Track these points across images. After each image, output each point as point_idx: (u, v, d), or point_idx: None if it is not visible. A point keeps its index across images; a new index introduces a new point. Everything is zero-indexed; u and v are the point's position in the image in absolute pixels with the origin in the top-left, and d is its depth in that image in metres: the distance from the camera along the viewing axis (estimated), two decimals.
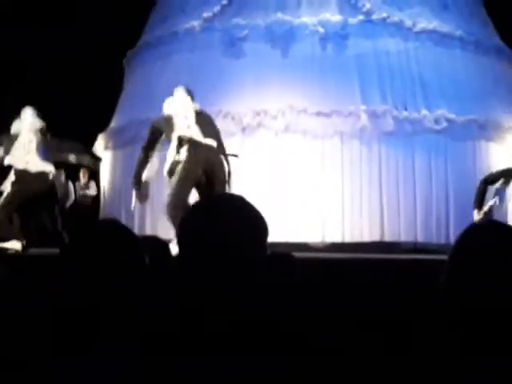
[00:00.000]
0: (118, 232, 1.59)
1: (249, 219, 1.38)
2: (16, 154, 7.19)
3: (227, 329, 1.24)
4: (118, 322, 1.38)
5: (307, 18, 10.03)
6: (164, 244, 2.87)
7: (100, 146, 10.96)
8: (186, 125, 6.22)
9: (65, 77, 11.81)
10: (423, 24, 10.25)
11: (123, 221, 9.52)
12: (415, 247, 9.67)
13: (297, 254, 6.06)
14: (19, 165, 7.17)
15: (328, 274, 4.73)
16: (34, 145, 7.31)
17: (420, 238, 9.48)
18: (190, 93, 6.88)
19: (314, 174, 9.40)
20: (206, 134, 6.22)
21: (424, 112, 9.70)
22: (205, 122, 6.57)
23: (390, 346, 1.38)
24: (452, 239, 9.37)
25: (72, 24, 12.04)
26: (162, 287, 2.07)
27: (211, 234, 1.33)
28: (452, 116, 9.76)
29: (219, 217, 1.36)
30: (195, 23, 10.43)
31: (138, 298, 1.50)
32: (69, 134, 10.32)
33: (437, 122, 9.71)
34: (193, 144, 6.27)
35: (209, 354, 1.21)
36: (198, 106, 6.79)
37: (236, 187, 9.15)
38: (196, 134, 6.25)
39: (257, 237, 1.38)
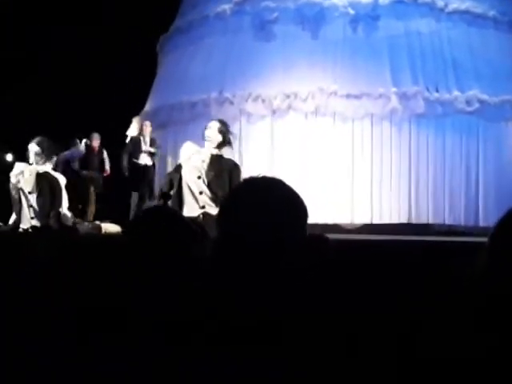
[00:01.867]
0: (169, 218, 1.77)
1: (289, 201, 1.39)
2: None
3: (259, 316, 1.23)
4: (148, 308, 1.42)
5: (337, 0, 10.00)
6: (202, 228, 2.94)
7: (134, 129, 11.17)
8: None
9: (102, 62, 12.01)
10: (455, 4, 10.09)
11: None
12: (442, 230, 9.60)
13: (330, 236, 6.15)
14: None
15: (361, 256, 4.75)
16: None
17: (448, 221, 9.41)
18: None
19: (344, 156, 9.43)
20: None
21: (456, 93, 9.59)
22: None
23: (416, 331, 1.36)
24: (481, 222, 9.32)
25: (107, 10, 12.21)
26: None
27: (251, 216, 1.34)
28: (484, 97, 9.62)
29: (259, 198, 1.36)
30: (226, 7, 10.49)
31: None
32: (106, 118, 10.61)
33: (468, 103, 9.59)
34: None
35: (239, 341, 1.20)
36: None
37: (266, 169, 9.31)
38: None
39: (297, 219, 1.39)
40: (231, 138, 6.00)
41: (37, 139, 6.61)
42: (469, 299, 1.42)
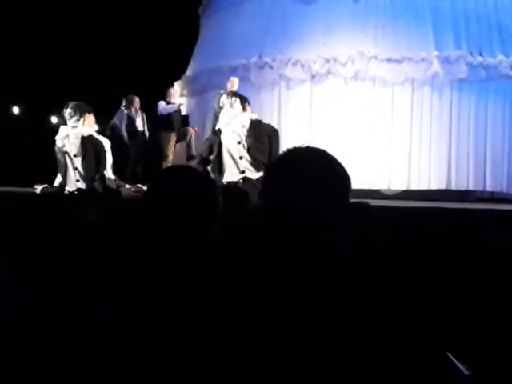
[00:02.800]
0: (193, 177, 1.74)
1: (332, 171, 1.41)
2: None
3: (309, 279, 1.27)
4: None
5: None
6: (245, 192, 2.99)
7: (176, 93, 11.26)
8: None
9: (145, 26, 12.04)
10: None
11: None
12: (485, 196, 9.51)
13: (371, 201, 6.16)
14: None
15: (402, 222, 4.73)
16: None
17: (490, 188, 9.29)
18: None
19: (384, 121, 9.36)
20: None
21: (500, 57, 9.39)
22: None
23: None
24: None
25: None
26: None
27: (295, 184, 1.36)
28: None
29: (302, 168, 1.39)
30: None
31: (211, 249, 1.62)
32: (149, 82, 10.69)
33: None
34: None
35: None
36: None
37: (305, 134, 9.32)
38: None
39: (340, 188, 1.41)
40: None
41: (72, 103, 6.77)
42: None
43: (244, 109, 6.13)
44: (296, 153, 1.46)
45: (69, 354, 1.30)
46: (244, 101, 6.14)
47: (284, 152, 1.47)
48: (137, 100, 9.71)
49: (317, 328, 1.21)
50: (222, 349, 1.23)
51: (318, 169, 1.39)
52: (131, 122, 9.51)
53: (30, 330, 1.36)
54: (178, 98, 9.94)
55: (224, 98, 6.33)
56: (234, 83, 9.03)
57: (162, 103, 9.66)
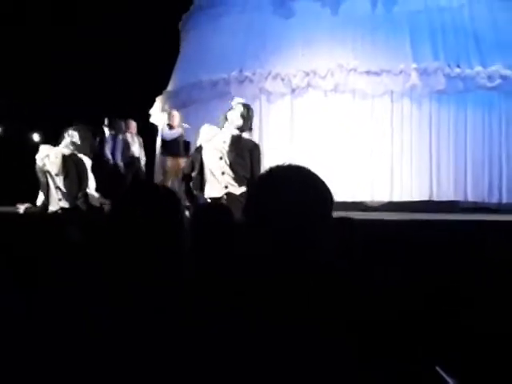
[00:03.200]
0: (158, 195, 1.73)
1: (316, 189, 1.41)
2: None
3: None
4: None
5: None
6: (227, 208, 2.98)
7: (157, 109, 11.29)
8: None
9: (125, 43, 12.04)
10: None
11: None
12: (468, 206, 9.56)
13: (353, 214, 6.15)
14: None
15: (388, 235, 4.73)
16: None
17: (471, 198, 9.34)
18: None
19: (364, 133, 9.44)
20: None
21: (477, 68, 9.48)
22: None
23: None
24: (505, 199, 9.29)
25: None
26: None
27: (276, 204, 1.36)
28: (507, 72, 9.48)
29: (285, 186, 1.39)
30: None
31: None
32: (130, 98, 10.67)
33: (490, 78, 9.48)
34: None
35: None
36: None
37: (287, 147, 9.37)
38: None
39: (324, 206, 1.40)
40: (252, 124, 6.05)
41: (78, 127, 6.72)
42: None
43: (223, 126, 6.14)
44: (278, 172, 1.46)
45: (65, 356, 1.31)
46: (225, 118, 6.15)
47: (266, 171, 1.47)
48: (134, 124, 9.54)
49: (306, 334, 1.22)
50: (216, 350, 1.24)
51: (299, 188, 1.39)
52: (127, 148, 9.26)
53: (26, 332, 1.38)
54: (179, 121, 9.55)
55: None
56: (175, 117, 9.17)
57: (165, 128, 9.30)
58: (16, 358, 1.34)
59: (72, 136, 6.61)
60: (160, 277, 1.51)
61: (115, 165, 9.07)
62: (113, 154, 9.24)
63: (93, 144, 7.29)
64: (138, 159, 9.33)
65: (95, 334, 1.34)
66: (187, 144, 9.35)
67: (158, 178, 9.42)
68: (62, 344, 1.34)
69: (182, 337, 1.29)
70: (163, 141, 9.19)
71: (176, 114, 9.34)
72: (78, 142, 6.59)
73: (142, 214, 1.64)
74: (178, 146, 9.13)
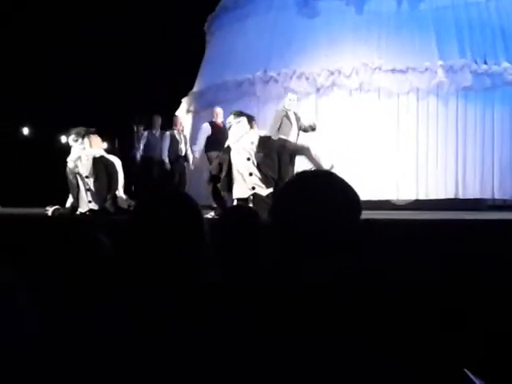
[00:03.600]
0: (180, 203, 1.81)
1: (342, 194, 1.41)
2: None
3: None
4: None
5: None
6: (255, 212, 3.00)
7: (183, 110, 11.38)
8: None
9: (154, 44, 12.12)
10: None
11: (204, 178, 9.87)
12: (496, 204, 9.45)
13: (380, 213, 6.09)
14: None
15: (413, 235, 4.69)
16: None
17: (498, 195, 9.20)
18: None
19: (390, 131, 9.39)
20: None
21: (505, 64, 9.38)
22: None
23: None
24: None
25: None
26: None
27: (301, 210, 1.37)
28: None
29: (312, 192, 1.40)
30: None
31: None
32: (156, 100, 10.75)
33: None
34: None
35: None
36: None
37: (312, 147, 9.35)
38: None
39: (350, 211, 1.41)
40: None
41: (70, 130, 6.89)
42: None
43: (251, 127, 6.18)
44: (305, 177, 1.47)
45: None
46: (251, 119, 6.19)
47: (293, 176, 1.49)
48: (180, 121, 9.37)
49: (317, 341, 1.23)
50: (218, 352, 1.25)
51: (326, 194, 1.39)
52: (176, 144, 8.95)
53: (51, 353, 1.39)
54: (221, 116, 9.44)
55: (231, 118, 6.38)
56: (218, 114, 8.87)
57: (206, 125, 8.98)
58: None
59: (73, 139, 6.75)
60: (180, 280, 1.52)
61: (162, 162, 8.81)
62: (155, 150, 8.95)
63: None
64: (184, 157, 9.05)
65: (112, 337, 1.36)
66: None
67: (195, 175, 9.37)
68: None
69: (199, 340, 1.30)
70: (208, 138, 8.80)
71: (219, 112, 9.06)
72: (76, 139, 6.71)
73: (162, 221, 1.63)
74: (219, 142, 8.93)
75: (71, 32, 12.07)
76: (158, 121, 9.33)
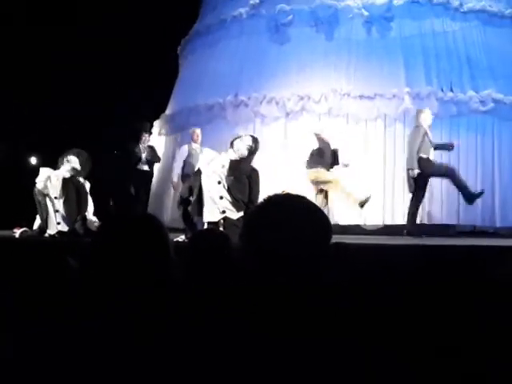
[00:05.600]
0: (146, 226, 1.79)
1: (313, 217, 1.44)
2: None
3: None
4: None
5: (351, 1, 10.07)
6: (225, 236, 3.02)
7: (155, 133, 11.38)
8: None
9: (125, 67, 12.12)
10: (471, 4, 10.09)
11: (171, 201, 9.85)
12: (465, 230, 9.51)
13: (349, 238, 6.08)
14: None
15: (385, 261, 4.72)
16: None
17: (463, 222, 9.29)
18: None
19: (357, 156, 9.48)
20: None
21: (470, 93, 9.58)
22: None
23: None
24: (498, 223, 9.31)
25: (131, 16, 12.24)
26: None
27: (275, 233, 1.39)
28: (500, 96, 9.57)
29: (283, 216, 1.41)
30: (242, 10, 10.65)
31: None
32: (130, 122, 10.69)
33: (483, 102, 9.57)
34: None
35: None
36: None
37: (280, 170, 9.41)
38: None
39: (321, 234, 1.44)
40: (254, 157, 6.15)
41: (78, 152, 6.78)
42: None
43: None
44: (275, 201, 1.49)
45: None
46: (231, 144, 6.24)
47: (263, 200, 1.51)
48: (198, 132, 9.05)
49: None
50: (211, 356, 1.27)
51: (296, 219, 1.42)
52: (194, 159, 8.49)
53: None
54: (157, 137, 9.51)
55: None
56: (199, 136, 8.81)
57: (185, 147, 8.94)
58: None
59: (71, 161, 6.66)
60: (146, 300, 1.55)
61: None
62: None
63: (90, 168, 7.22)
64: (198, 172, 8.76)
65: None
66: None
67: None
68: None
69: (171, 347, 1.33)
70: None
71: (199, 133, 8.94)
72: (79, 168, 6.64)
73: (124, 243, 1.69)
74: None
75: (43, 51, 12.02)
76: (196, 133, 9.06)
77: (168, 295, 1.62)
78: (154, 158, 9.31)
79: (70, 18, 12.18)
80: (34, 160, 11.92)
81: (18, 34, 11.82)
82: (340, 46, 9.95)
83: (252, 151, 6.00)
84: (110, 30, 11.92)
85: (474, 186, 9.42)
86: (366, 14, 9.99)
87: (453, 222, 9.35)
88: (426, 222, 9.26)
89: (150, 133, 9.15)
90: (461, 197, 9.24)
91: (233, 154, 5.94)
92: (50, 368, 1.38)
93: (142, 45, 11.91)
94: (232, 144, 6.06)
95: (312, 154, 7.88)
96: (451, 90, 9.68)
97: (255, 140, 6.20)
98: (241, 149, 5.94)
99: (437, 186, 9.39)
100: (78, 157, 6.71)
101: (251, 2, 10.64)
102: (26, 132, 11.14)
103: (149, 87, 11.59)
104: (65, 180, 6.59)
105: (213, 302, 1.40)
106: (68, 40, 12.04)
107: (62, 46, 12.08)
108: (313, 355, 1.25)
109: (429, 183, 9.08)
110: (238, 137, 6.17)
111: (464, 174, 9.41)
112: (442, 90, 9.65)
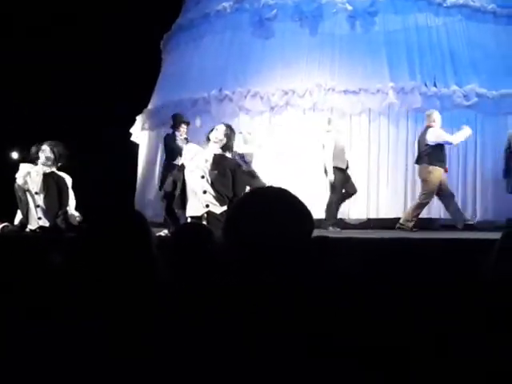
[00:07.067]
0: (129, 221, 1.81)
1: (295, 211, 1.44)
2: None
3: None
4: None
5: None
6: (208, 230, 3.00)
7: (138, 127, 11.33)
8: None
9: (107, 62, 12.03)
10: None
11: (154, 195, 9.83)
12: (447, 224, 9.56)
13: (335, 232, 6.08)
14: None
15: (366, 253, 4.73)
16: None
17: (445, 215, 9.16)
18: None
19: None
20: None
21: (454, 87, 9.64)
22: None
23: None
24: (478, 216, 9.38)
25: (113, 10, 12.15)
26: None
27: (257, 226, 1.39)
28: (483, 91, 9.64)
29: (266, 209, 1.41)
30: (226, 4, 10.60)
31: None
32: (110, 118, 10.63)
33: (467, 97, 9.64)
34: None
35: None
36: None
37: (265, 165, 9.40)
38: None
39: (303, 227, 1.44)
40: (234, 143, 6.15)
41: (51, 143, 6.69)
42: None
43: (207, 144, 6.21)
44: (258, 194, 1.51)
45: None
46: (208, 138, 6.21)
47: (246, 193, 1.53)
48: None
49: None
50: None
51: (278, 211, 1.42)
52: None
53: None
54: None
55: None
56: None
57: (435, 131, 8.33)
58: None
59: (44, 151, 6.57)
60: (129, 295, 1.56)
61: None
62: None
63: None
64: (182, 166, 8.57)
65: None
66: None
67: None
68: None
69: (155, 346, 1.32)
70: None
71: (436, 115, 8.41)
72: (52, 157, 6.55)
73: (107, 237, 1.71)
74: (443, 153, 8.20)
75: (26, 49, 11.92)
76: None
77: (150, 291, 1.62)
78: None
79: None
80: (15, 155, 11.82)
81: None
82: (324, 41, 9.96)
83: (229, 136, 5.99)
84: (88, 26, 11.87)
85: (456, 179, 9.52)
86: (349, 8, 10.00)
87: (436, 215, 9.37)
88: None
89: (187, 123, 8.82)
90: None
91: (215, 148, 5.92)
92: (32, 367, 1.38)
93: (122, 40, 11.82)
94: (209, 138, 6.06)
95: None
96: (435, 85, 9.74)
97: (229, 126, 6.21)
98: (218, 136, 5.95)
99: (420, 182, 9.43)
100: (51, 147, 6.61)
101: None
102: (7, 127, 11.04)
103: (130, 82, 11.51)
104: (45, 175, 6.52)
105: (195, 298, 1.39)
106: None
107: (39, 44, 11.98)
108: (300, 353, 1.25)
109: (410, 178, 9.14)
110: (211, 129, 6.17)
111: (448, 168, 9.48)
112: (426, 85, 9.71)
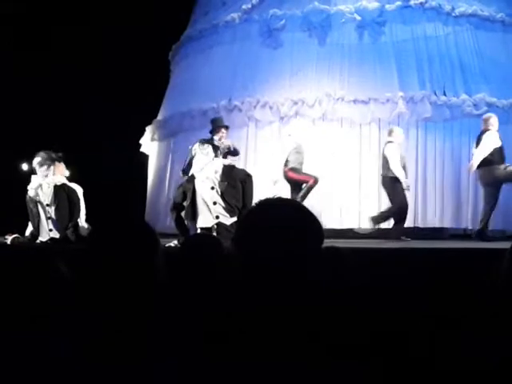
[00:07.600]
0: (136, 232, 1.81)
1: (305, 222, 1.44)
2: None
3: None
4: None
5: (344, 6, 10.09)
6: (217, 240, 2.99)
7: (147, 138, 11.37)
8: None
9: (117, 72, 12.08)
10: (463, 8, 10.13)
11: (164, 206, 9.84)
12: (457, 233, 9.51)
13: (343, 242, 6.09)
14: None
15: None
16: None
17: (455, 225, 9.27)
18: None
19: (352, 160, 9.50)
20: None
21: (463, 96, 9.61)
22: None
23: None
24: (490, 225, 9.28)
25: (122, 21, 12.20)
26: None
27: (267, 237, 1.39)
28: (493, 99, 9.60)
29: (275, 220, 1.41)
30: (235, 15, 10.65)
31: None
32: (121, 128, 10.65)
33: (476, 106, 9.59)
34: None
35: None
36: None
37: (275, 175, 9.40)
38: None
39: (313, 238, 1.44)
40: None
41: (40, 154, 6.79)
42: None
43: (216, 156, 6.23)
44: (268, 205, 1.48)
45: None
46: (216, 148, 6.24)
47: (256, 204, 1.49)
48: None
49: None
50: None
51: (289, 223, 1.41)
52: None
53: None
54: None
55: (196, 146, 6.43)
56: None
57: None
58: None
59: (39, 163, 6.68)
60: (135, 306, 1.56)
61: None
62: None
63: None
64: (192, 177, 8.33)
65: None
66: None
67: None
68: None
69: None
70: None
71: (494, 120, 8.20)
72: (36, 168, 6.65)
73: (115, 247, 1.71)
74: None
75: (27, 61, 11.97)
76: None
77: (154, 301, 1.64)
78: (236, 150, 8.48)
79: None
80: (25, 167, 11.85)
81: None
82: (333, 51, 9.96)
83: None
84: (97, 38, 11.92)
85: (466, 189, 9.47)
86: (358, 18, 10.01)
87: (446, 225, 9.32)
88: (420, 225, 9.26)
89: (227, 127, 8.64)
90: (452, 201, 9.29)
91: (225, 160, 5.93)
92: (41, 372, 1.41)
93: (131, 51, 11.87)
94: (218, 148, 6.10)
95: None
96: (444, 94, 9.70)
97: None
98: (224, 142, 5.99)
99: (431, 191, 9.41)
100: (38, 157, 6.71)
101: (243, 6, 10.66)
102: (18, 138, 11.09)
103: (139, 93, 11.54)
104: (56, 187, 6.56)
105: (199, 308, 1.42)
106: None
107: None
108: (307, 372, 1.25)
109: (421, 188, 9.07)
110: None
111: (458, 178, 9.46)
112: (436, 94, 9.67)
